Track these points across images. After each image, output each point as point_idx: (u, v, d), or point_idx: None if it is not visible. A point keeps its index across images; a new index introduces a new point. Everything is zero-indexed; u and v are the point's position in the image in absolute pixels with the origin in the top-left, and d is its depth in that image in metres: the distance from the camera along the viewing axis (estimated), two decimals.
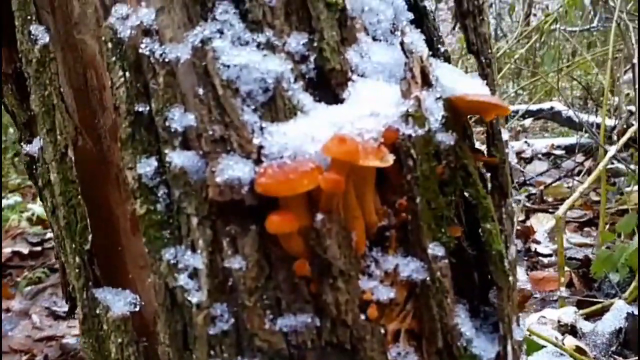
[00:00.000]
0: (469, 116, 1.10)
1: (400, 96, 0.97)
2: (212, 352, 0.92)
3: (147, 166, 0.97)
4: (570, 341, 2.86)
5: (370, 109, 0.95)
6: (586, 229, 4.49)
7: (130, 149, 0.99)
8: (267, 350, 0.90)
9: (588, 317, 3.18)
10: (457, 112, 1.03)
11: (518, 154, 6.23)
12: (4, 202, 5.44)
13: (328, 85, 1.00)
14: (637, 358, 2.70)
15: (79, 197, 1.06)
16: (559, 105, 6.24)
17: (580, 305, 3.31)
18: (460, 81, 1.03)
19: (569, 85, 7.55)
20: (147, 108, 0.98)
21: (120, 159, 1.05)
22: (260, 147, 0.91)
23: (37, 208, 5.35)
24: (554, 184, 5.32)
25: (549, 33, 6.85)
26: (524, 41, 6.20)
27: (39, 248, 4.88)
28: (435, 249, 0.97)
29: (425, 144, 0.97)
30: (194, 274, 0.94)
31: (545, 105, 6.36)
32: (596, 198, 4.97)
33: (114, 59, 0.99)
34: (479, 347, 1.01)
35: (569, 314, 3.15)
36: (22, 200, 5.78)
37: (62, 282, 1.22)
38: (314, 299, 0.91)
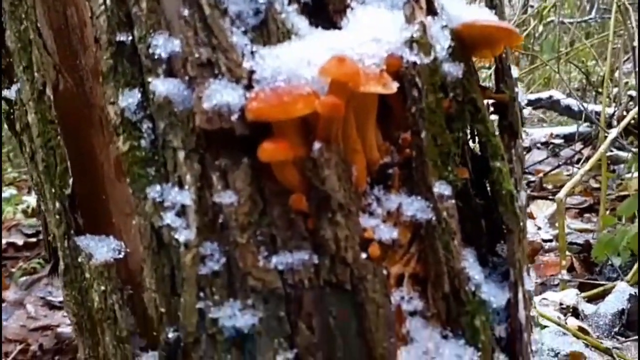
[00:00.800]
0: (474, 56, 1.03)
1: (403, 22, 0.91)
2: (201, 294, 0.85)
3: (129, 98, 0.90)
4: (572, 322, 2.80)
5: (372, 34, 0.88)
6: (586, 215, 4.43)
7: (112, 82, 0.92)
8: (261, 289, 0.83)
9: (590, 300, 3.12)
10: (464, 44, 0.96)
11: None
12: None
13: (325, 13, 0.93)
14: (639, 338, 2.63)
15: (59, 138, 0.99)
16: (557, 94, 6.18)
17: (581, 288, 3.24)
18: (466, 10, 0.97)
19: (567, 76, 7.50)
20: (130, 38, 0.91)
21: (102, 100, 0.98)
22: (251, 72, 0.84)
23: (32, 200, 5.27)
24: (553, 172, 5.26)
25: (547, 24, 6.80)
26: (522, 29, 6.14)
27: (33, 239, 4.80)
28: (441, 188, 0.91)
29: (431, 73, 0.90)
30: (181, 212, 0.87)
31: (544, 95, 6.29)
32: (596, 185, 4.91)
33: None
34: (488, 293, 0.95)
35: (570, 296, 3.10)
36: (17, 193, 5.70)
37: (45, 238, 1.15)
38: (312, 235, 0.84)
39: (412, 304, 0.91)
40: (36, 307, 3.90)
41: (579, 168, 4.69)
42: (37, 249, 4.74)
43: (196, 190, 0.86)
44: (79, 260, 0.98)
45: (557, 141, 6.32)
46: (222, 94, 0.81)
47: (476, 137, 0.98)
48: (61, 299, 4.04)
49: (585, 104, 5.68)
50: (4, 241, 4.74)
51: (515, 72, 1.03)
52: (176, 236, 0.86)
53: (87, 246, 0.97)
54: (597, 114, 5.01)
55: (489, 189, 0.99)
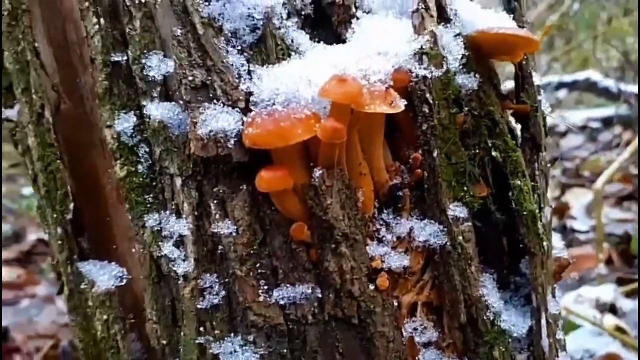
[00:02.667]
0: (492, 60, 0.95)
1: (412, 32, 0.84)
2: (201, 329, 0.81)
3: (125, 122, 0.86)
4: (609, 320, 2.69)
5: (378, 47, 0.82)
6: (625, 203, 4.25)
7: (108, 104, 0.88)
8: (262, 325, 0.79)
9: (628, 295, 2.99)
10: (480, 52, 0.88)
11: (551, 128, 5.95)
12: (28, 190, 5.47)
13: (328, 24, 0.87)
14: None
15: (58, 161, 0.95)
16: (595, 75, 5.93)
17: (620, 282, 3.11)
18: (482, 16, 0.89)
19: (605, 56, 7.20)
20: (125, 58, 0.87)
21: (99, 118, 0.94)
22: (249, 94, 0.79)
23: None
24: (590, 158, 5.06)
25: (582, 0, 6.51)
26: (556, 8, 5.89)
27: None
28: (456, 210, 0.84)
29: (443, 87, 0.83)
30: (179, 242, 0.83)
31: (580, 76, 6.04)
32: (636, 171, 4.71)
33: (87, 4, 0.88)
34: (508, 321, 0.88)
35: (608, 291, 2.98)
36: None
37: (52, 258, 1.13)
38: (315, 267, 0.79)
39: (425, 334, 0.85)
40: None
41: (618, 153, 4.50)
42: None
43: (194, 220, 0.81)
44: (82, 286, 0.95)
45: (595, 125, 6.08)
46: (217, 120, 0.76)
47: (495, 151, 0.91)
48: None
49: (624, 85, 5.43)
50: (34, 237, 4.85)
51: (537, 79, 0.95)
52: (174, 268, 0.82)
53: (89, 273, 0.94)
54: (638, 95, 4.78)
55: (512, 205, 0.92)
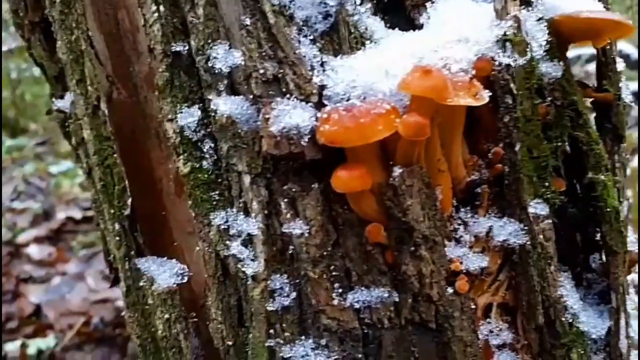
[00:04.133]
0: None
1: (493, 17, 0.78)
2: (271, 331, 0.79)
3: (189, 116, 0.82)
4: None
5: (457, 33, 0.77)
6: None
7: (169, 97, 0.84)
8: (336, 329, 0.76)
9: None
10: (562, 37, 0.83)
11: None
12: (57, 168, 5.51)
13: (401, 8, 0.82)
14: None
15: (115, 156, 0.92)
16: (627, 47, 5.73)
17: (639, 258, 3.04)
18: None
19: (638, 27, 6.95)
20: (186, 48, 0.83)
21: (159, 111, 0.90)
22: (322, 87, 0.74)
23: None
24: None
25: None
26: None
27: (91, 213, 4.94)
28: (537, 207, 0.80)
29: (526, 76, 0.78)
30: (248, 241, 0.80)
31: None
32: None
33: None
34: (586, 323, 0.84)
35: None
36: (73, 166, 5.85)
37: (104, 251, 1.11)
38: (391, 269, 0.76)
39: (500, 336, 0.82)
40: (96, 280, 4.03)
41: None
42: (94, 223, 4.89)
43: (263, 219, 0.78)
44: (141, 283, 0.93)
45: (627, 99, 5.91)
46: (291, 116, 0.72)
47: (574, 146, 0.86)
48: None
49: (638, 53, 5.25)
50: (62, 215, 4.89)
51: (620, 65, 0.89)
52: (243, 268, 0.79)
53: (148, 270, 0.92)
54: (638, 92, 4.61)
55: (592, 203, 0.87)
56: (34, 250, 4.35)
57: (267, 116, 0.73)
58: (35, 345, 3.31)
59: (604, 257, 0.91)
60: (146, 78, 0.95)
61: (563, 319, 0.82)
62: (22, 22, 1.09)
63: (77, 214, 4.81)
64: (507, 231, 0.79)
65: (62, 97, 1.07)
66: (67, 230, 4.64)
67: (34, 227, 4.69)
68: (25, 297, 3.85)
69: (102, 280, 3.99)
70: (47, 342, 3.37)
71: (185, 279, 0.90)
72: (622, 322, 0.87)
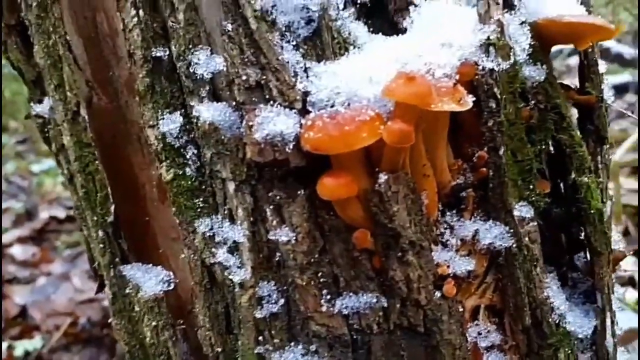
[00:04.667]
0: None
1: (477, 21, 0.78)
2: (260, 338, 0.79)
3: (171, 123, 0.81)
4: (630, 294, 2.68)
5: (441, 38, 0.76)
6: None
7: (150, 103, 0.83)
8: (325, 335, 0.76)
9: None
10: (545, 40, 0.83)
11: None
12: (39, 167, 5.44)
13: (385, 12, 0.81)
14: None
15: (97, 162, 0.91)
16: (608, 41, 5.78)
17: (638, 255, 3.09)
18: (549, 1, 0.83)
19: (616, 20, 7.01)
20: (167, 53, 0.82)
21: (140, 117, 0.89)
22: (306, 93, 0.74)
23: None
24: None
25: None
26: None
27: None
28: (522, 210, 0.80)
29: (510, 80, 0.78)
30: (234, 249, 0.79)
31: None
32: None
33: None
34: (573, 323, 0.85)
35: (627, 264, 2.96)
36: (55, 164, 5.77)
37: (89, 257, 1.09)
38: (379, 275, 0.76)
39: (489, 338, 0.82)
40: (82, 280, 3.99)
41: (631, 122, 4.41)
42: (78, 228, 4.83)
43: (249, 226, 0.78)
44: (127, 291, 0.92)
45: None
46: (274, 122, 0.71)
47: (558, 148, 0.86)
48: None
49: (638, 51, 5.30)
50: (46, 214, 4.83)
51: (602, 67, 0.89)
52: (230, 276, 0.79)
53: (134, 277, 0.91)
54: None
55: (574, 205, 0.87)
56: (17, 251, 4.29)
57: (250, 123, 0.73)
58: (22, 346, 3.27)
59: (588, 256, 0.92)
60: (127, 83, 0.93)
61: (550, 319, 0.83)
62: None
63: (61, 213, 4.75)
64: (492, 234, 0.80)
65: (40, 101, 1.05)
66: (50, 230, 4.58)
67: (17, 227, 4.63)
68: (10, 298, 3.79)
69: (88, 279, 3.96)
70: (33, 343, 3.33)
71: (172, 285, 0.89)
72: (608, 321, 0.88)
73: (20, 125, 6.53)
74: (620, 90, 5.75)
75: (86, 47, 0.94)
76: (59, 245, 4.31)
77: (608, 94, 0.91)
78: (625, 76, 5.67)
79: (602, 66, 0.89)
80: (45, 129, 1.02)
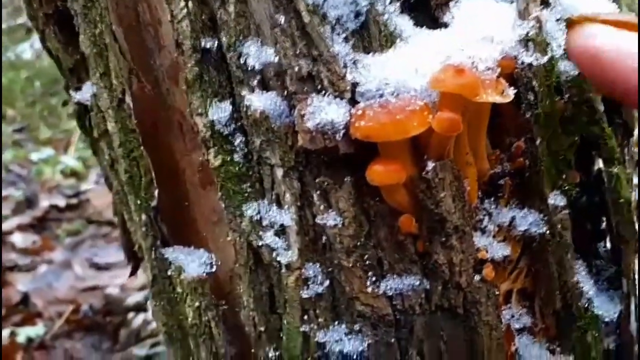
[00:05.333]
0: None
1: (516, 17, 0.81)
2: (305, 317, 0.82)
3: (220, 111, 0.84)
4: None
5: (482, 33, 0.80)
6: None
7: (198, 91, 0.86)
8: (369, 315, 0.79)
9: None
10: None
11: None
12: (37, 155, 5.43)
13: (426, 7, 0.84)
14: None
15: (142, 148, 0.94)
16: None
17: (638, 249, 3.15)
18: None
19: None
20: (216, 43, 0.84)
21: (182, 104, 0.92)
22: (355, 84, 0.77)
23: (70, 161, 5.33)
24: None
25: None
26: None
27: (75, 200, 4.89)
28: (556, 199, 0.84)
29: (546, 74, 0.82)
30: (280, 232, 0.82)
31: None
32: None
33: None
34: (600, 307, 0.89)
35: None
36: (54, 153, 5.75)
37: (123, 242, 1.12)
38: (422, 258, 0.79)
39: (520, 320, 0.87)
40: (83, 268, 4.01)
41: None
42: (79, 210, 4.83)
43: (296, 210, 0.81)
44: (169, 273, 0.95)
45: None
46: (326, 112, 0.74)
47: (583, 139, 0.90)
48: (107, 260, 4.12)
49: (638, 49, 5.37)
50: (46, 203, 4.83)
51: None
52: (277, 257, 0.82)
53: (176, 259, 0.94)
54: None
55: (600, 195, 0.92)
56: (18, 239, 4.29)
57: (302, 112, 0.76)
58: (24, 333, 3.29)
59: (609, 245, 0.96)
60: (168, 70, 0.96)
61: (579, 303, 0.87)
62: (36, 14, 1.09)
63: (61, 202, 4.76)
64: (528, 221, 0.83)
65: (78, 89, 1.07)
66: (51, 218, 4.58)
67: (17, 215, 4.62)
68: (11, 286, 3.80)
69: (90, 268, 3.98)
70: (36, 330, 3.35)
71: (214, 268, 0.93)
72: (633, 307, 0.92)
73: (17, 114, 6.50)
74: None
75: (126, 35, 0.97)
76: (60, 233, 4.32)
77: None
78: None
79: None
80: (87, 116, 1.04)
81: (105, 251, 4.15)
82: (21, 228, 4.49)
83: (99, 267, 3.96)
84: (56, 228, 4.53)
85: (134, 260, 1.13)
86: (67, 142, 5.77)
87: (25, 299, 3.70)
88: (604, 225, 0.97)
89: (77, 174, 5.26)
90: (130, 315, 3.42)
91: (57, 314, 3.58)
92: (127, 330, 3.35)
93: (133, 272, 1.15)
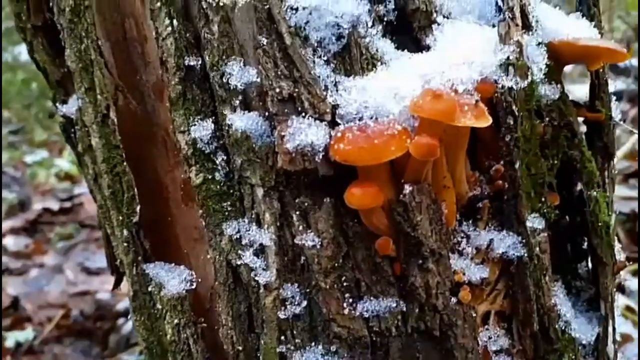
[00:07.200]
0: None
1: (497, 41, 0.82)
2: (282, 338, 0.82)
3: (202, 129, 0.84)
4: (620, 301, 2.75)
5: (463, 56, 0.80)
6: (632, 181, 4.28)
7: (181, 109, 0.86)
8: (345, 337, 0.80)
9: (635, 274, 3.05)
10: (559, 60, 0.87)
11: None
12: (32, 158, 5.42)
13: (409, 30, 0.85)
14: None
15: (125, 163, 0.94)
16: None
17: (627, 262, 3.16)
18: (563, 23, 0.87)
19: (608, 27, 7.11)
20: (199, 62, 0.85)
21: (167, 120, 0.92)
22: (335, 106, 0.78)
23: (64, 164, 5.33)
24: None
25: None
26: None
27: (68, 204, 4.88)
28: (534, 222, 0.84)
29: (527, 98, 0.82)
30: (260, 251, 0.83)
31: None
32: None
33: (158, 4, 0.85)
34: (578, 330, 0.90)
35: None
36: (48, 155, 5.74)
37: (107, 253, 1.12)
38: (399, 281, 0.80)
39: (498, 342, 0.87)
40: (75, 272, 3.99)
41: (622, 130, 4.50)
42: (72, 214, 4.82)
43: (276, 230, 0.81)
44: (149, 288, 0.95)
45: None
46: (306, 133, 0.75)
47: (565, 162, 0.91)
48: (98, 265, 4.09)
49: (631, 59, 5.40)
50: (39, 206, 4.82)
51: (612, 86, 0.94)
52: (256, 277, 0.82)
53: (157, 275, 0.94)
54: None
55: (580, 217, 0.92)
56: (10, 242, 4.28)
57: (282, 133, 0.76)
58: (13, 337, 3.27)
59: (590, 265, 0.97)
60: (154, 87, 0.97)
61: (556, 326, 0.87)
62: (25, 26, 1.09)
63: (54, 205, 4.75)
64: (506, 244, 0.84)
65: (65, 101, 1.08)
66: (44, 222, 4.57)
67: (10, 217, 4.61)
68: (2, 289, 3.79)
69: (81, 272, 3.96)
70: (25, 334, 3.34)
71: (194, 285, 0.93)
72: (610, 329, 0.93)
73: (12, 116, 6.49)
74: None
75: (114, 50, 0.98)
76: (52, 237, 4.31)
77: (616, 112, 0.96)
78: (619, 84, 5.77)
79: (611, 85, 0.93)
80: (71, 130, 1.04)
81: (97, 256, 4.14)
82: (14, 231, 4.47)
83: (90, 272, 3.94)
84: (49, 232, 4.52)
85: (117, 273, 1.13)
86: (62, 145, 5.77)
87: (15, 302, 3.68)
88: (585, 245, 0.97)
89: (71, 177, 5.25)
90: (120, 321, 3.40)
91: (47, 319, 3.57)
92: (117, 336, 3.34)
93: (116, 285, 1.14)
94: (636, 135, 3.29)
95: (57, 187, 5.12)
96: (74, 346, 3.41)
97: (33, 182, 5.09)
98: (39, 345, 3.35)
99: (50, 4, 0.98)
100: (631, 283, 2.91)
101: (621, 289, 2.90)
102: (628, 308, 2.59)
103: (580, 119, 0.94)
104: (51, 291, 3.77)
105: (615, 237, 0.99)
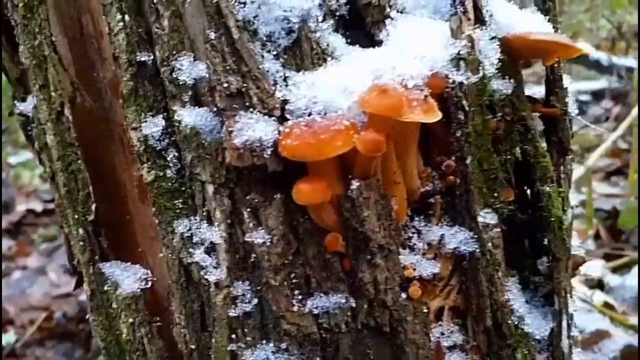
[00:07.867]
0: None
1: (449, 36, 0.82)
2: (233, 336, 0.82)
3: (153, 126, 0.84)
4: (598, 297, 2.76)
5: (415, 51, 0.80)
6: (613, 178, 4.31)
7: (133, 105, 0.86)
8: (295, 334, 0.79)
9: (616, 271, 3.07)
10: (514, 55, 0.87)
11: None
12: (16, 159, 5.37)
13: (362, 25, 0.85)
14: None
15: (80, 162, 0.93)
16: (585, 47, 5.90)
17: (607, 258, 3.18)
18: (518, 17, 0.87)
19: (596, 26, 7.16)
20: (151, 57, 0.84)
21: (123, 117, 0.91)
22: (284, 102, 0.77)
23: None
24: (579, 131, 5.09)
25: None
26: None
27: (51, 205, 4.84)
28: (486, 217, 0.84)
29: (478, 93, 0.82)
30: (211, 249, 0.82)
31: None
32: (624, 146, 4.76)
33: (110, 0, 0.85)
34: (531, 325, 0.90)
35: (596, 267, 3.04)
36: (33, 156, 5.69)
37: (68, 253, 1.11)
38: (348, 276, 0.79)
39: (451, 338, 0.87)
40: (58, 274, 3.96)
41: (607, 128, 4.53)
42: (55, 216, 4.78)
43: (226, 227, 0.81)
44: (105, 288, 0.94)
45: (584, 98, 6.10)
46: (254, 129, 0.75)
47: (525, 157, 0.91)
48: None
49: (615, 58, 5.44)
50: (23, 207, 4.78)
51: (567, 82, 0.94)
52: (206, 275, 0.82)
53: (112, 274, 0.93)
54: (629, 69, 4.78)
55: (538, 212, 0.92)
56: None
57: (230, 129, 0.76)
58: None
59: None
60: (111, 84, 0.96)
61: (509, 321, 0.87)
62: None
63: (38, 207, 4.71)
64: (458, 239, 0.84)
65: (24, 99, 1.06)
66: (27, 223, 4.53)
67: None
68: None
69: (64, 274, 3.93)
70: (7, 337, 3.31)
71: (149, 283, 0.92)
72: (564, 323, 0.93)
73: None
74: (597, 96, 5.90)
75: (71, 47, 0.97)
76: (35, 238, 4.28)
77: (572, 107, 0.96)
78: (602, 82, 5.81)
79: (567, 80, 0.93)
80: (29, 127, 1.03)
81: None
82: None
83: (73, 274, 3.91)
84: (32, 233, 4.49)
85: (78, 274, 1.12)
86: None
87: None
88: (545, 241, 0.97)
89: None
90: None
91: (30, 321, 3.54)
92: None
93: (77, 285, 1.13)
94: (617, 132, 3.32)
95: (40, 188, 5.08)
96: (56, 349, 3.38)
97: (17, 183, 5.05)
98: (21, 348, 3.32)
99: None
100: (610, 279, 2.93)
101: (600, 285, 2.92)
102: (606, 304, 2.60)
103: (537, 115, 0.94)
104: (34, 293, 3.74)
105: (574, 233, 1.00)
